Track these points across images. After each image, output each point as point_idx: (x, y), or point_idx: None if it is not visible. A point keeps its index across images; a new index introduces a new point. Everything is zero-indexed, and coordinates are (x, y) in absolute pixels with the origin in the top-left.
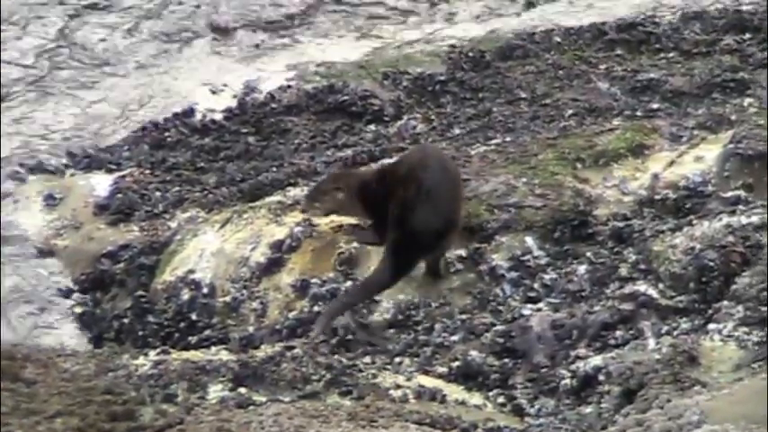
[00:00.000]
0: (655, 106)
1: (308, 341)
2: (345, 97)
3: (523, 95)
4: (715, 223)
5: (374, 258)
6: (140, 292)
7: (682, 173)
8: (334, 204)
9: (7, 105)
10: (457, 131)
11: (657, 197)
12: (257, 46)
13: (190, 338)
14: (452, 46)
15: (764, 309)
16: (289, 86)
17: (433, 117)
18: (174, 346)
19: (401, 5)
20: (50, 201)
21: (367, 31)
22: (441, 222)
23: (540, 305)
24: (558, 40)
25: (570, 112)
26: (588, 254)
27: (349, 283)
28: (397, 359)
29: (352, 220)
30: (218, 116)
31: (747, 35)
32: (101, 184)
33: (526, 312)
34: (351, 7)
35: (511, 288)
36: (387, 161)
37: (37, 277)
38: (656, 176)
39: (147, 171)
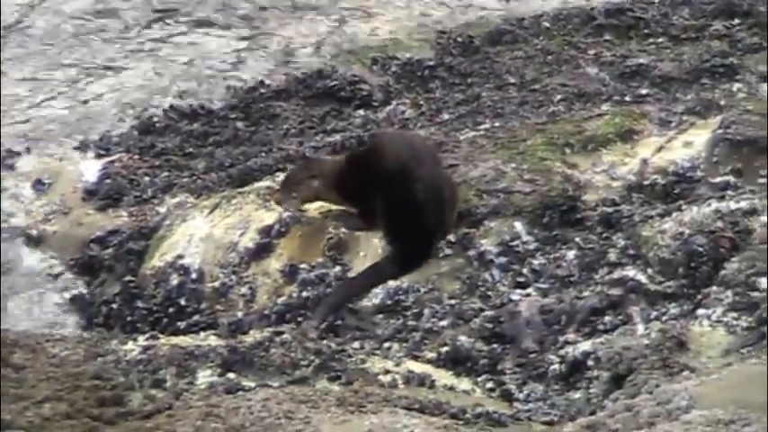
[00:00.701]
0: (644, 91)
1: (297, 328)
2: (334, 82)
3: (512, 81)
4: (704, 208)
5: (362, 244)
6: (129, 278)
7: (671, 158)
8: (311, 192)
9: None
10: (446, 116)
11: (646, 182)
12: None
13: (179, 324)
14: (441, 31)
15: (753, 294)
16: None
17: (421, 102)
18: (163, 332)
19: None
20: (39, 186)
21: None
22: (447, 219)
23: (529, 290)
24: (547, 25)
25: (559, 97)
26: (577, 239)
27: (338, 269)
28: (386, 344)
29: (339, 207)
30: (207, 101)
31: (736, 20)
32: (89, 169)
33: (515, 297)
34: None
35: (500, 273)
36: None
37: (25, 262)
38: (644, 162)
39: (136, 156)
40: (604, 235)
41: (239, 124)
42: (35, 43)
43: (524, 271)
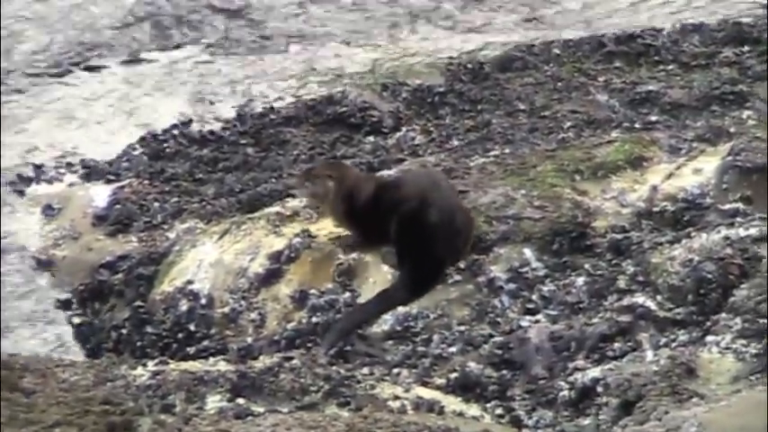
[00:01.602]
0: (653, 118)
1: (306, 353)
2: (344, 108)
3: (522, 107)
4: (713, 235)
5: (372, 270)
6: (139, 303)
7: (680, 185)
8: (322, 190)
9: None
10: (455, 143)
11: (656, 209)
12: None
13: (188, 349)
14: (451, 57)
15: (763, 321)
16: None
17: (431, 129)
18: (173, 357)
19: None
20: (49, 211)
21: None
22: (460, 248)
23: (539, 317)
24: (557, 51)
25: (569, 123)
26: (586, 266)
27: (347, 295)
28: (396, 370)
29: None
30: (217, 127)
31: (746, 47)
32: (99, 194)
33: (524, 324)
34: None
35: (509, 299)
36: (383, 174)
37: (35, 288)
38: (654, 188)
39: (146, 182)
40: (614, 262)
41: (249, 150)
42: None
43: (534, 297)
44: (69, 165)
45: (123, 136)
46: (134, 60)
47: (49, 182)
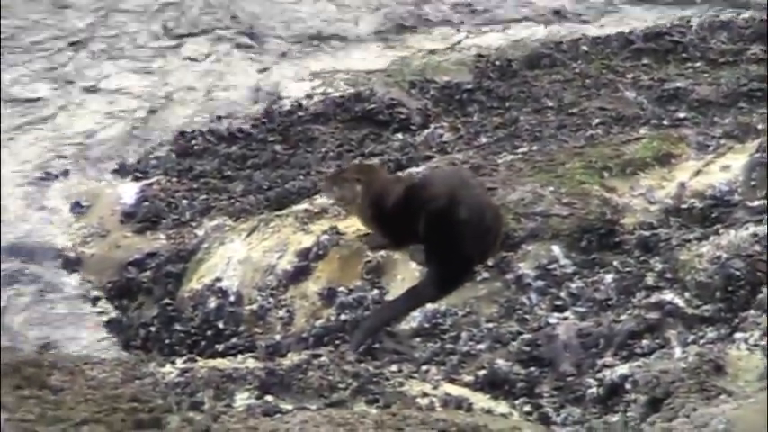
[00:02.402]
0: (681, 115)
1: (335, 350)
2: (372, 105)
3: (550, 104)
4: (741, 232)
5: (400, 267)
6: (167, 300)
7: (708, 182)
8: (351, 194)
9: (34, 111)
10: (484, 140)
11: (684, 206)
12: (284, 54)
13: (216, 346)
14: (479, 55)
15: None
16: (315, 95)
17: (459, 126)
18: (201, 354)
19: (430, 14)
20: (77, 208)
21: (394, 39)
22: (489, 246)
23: (567, 314)
24: (586, 48)
25: (597, 120)
26: (615, 263)
27: (376, 292)
28: (424, 367)
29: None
30: (245, 124)
31: None
32: (127, 192)
33: (552, 321)
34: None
35: (537, 296)
36: (413, 171)
37: (63, 285)
38: (682, 185)
39: (174, 179)
40: (642, 258)
41: (277, 147)
42: (77, 63)
43: (562, 294)
44: (96, 162)
45: (150, 134)
46: (159, 56)
47: (77, 179)
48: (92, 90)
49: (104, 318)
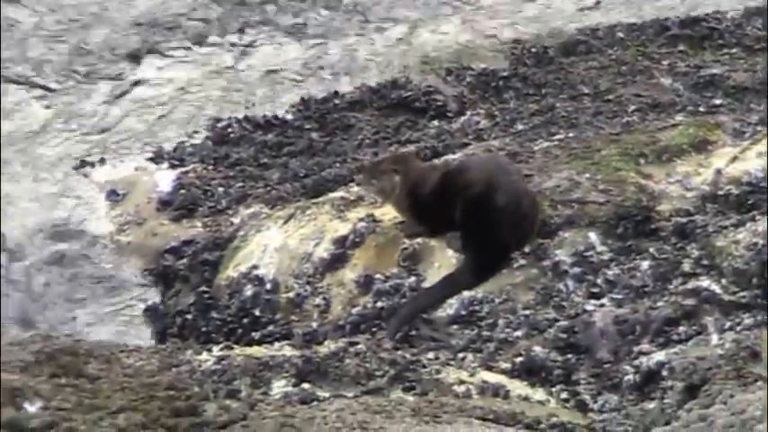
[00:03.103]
0: (717, 102)
1: (372, 338)
2: (409, 93)
3: (586, 91)
4: None
5: (437, 254)
6: (203, 288)
7: (744, 168)
8: (389, 186)
9: (69, 99)
10: (520, 127)
11: (720, 193)
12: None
13: (253, 334)
14: (515, 41)
15: None
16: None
17: (496, 113)
18: (238, 342)
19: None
20: (114, 196)
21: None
22: (526, 233)
23: (604, 301)
24: (621, 35)
25: (633, 107)
26: (651, 249)
27: (412, 279)
28: (461, 355)
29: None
30: (281, 112)
31: None
32: (164, 179)
33: (589, 308)
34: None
35: (574, 283)
36: (449, 158)
37: (99, 272)
38: (718, 172)
39: (211, 167)
40: (678, 245)
41: (313, 135)
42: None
43: (599, 281)
44: (134, 149)
45: (187, 123)
46: (203, 44)
47: (114, 166)
48: (128, 77)
49: (141, 305)
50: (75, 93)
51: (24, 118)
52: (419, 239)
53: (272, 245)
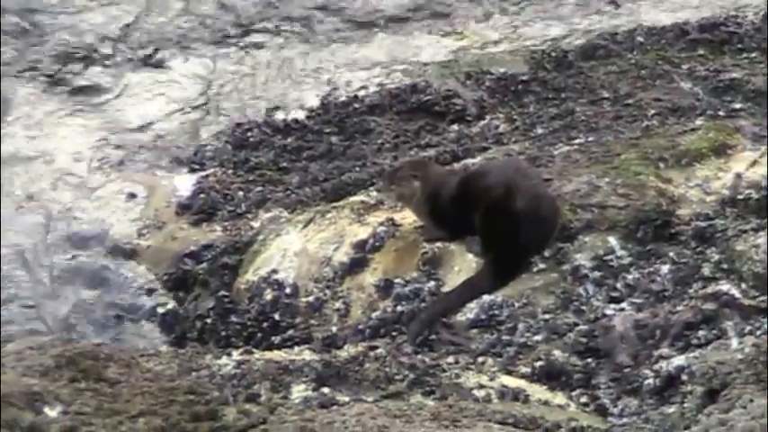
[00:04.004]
0: (737, 106)
1: (391, 342)
2: (428, 97)
3: (606, 95)
4: None
5: (457, 258)
6: (223, 292)
7: (764, 172)
8: (409, 191)
9: (89, 100)
10: (539, 131)
11: (740, 197)
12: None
13: (273, 338)
14: (535, 45)
15: None
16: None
17: (515, 117)
18: (257, 346)
19: (484, 5)
20: (133, 200)
21: (450, 30)
22: (546, 237)
23: (623, 305)
24: (641, 39)
25: (653, 111)
26: (671, 254)
27: (432, 284)
28: (480, 359)
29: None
30: (301, 115)
31: None
32: (183, 183)
33: (609, 312)
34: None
35: (594, 288)
36: (467, 163)
37: (119, 276)
38: (738, 176)
39: (230, 171)
40: (698, 249)
41: (333, 139)
42: (132, 51)
43: (618, 285)
44: (152, 153)
45: (207, 126)
46: (217, 45)
47: (132, 170)
48: (148, 80)
49: (161, 310)
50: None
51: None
52: (439, 244)
53: (291, 249)
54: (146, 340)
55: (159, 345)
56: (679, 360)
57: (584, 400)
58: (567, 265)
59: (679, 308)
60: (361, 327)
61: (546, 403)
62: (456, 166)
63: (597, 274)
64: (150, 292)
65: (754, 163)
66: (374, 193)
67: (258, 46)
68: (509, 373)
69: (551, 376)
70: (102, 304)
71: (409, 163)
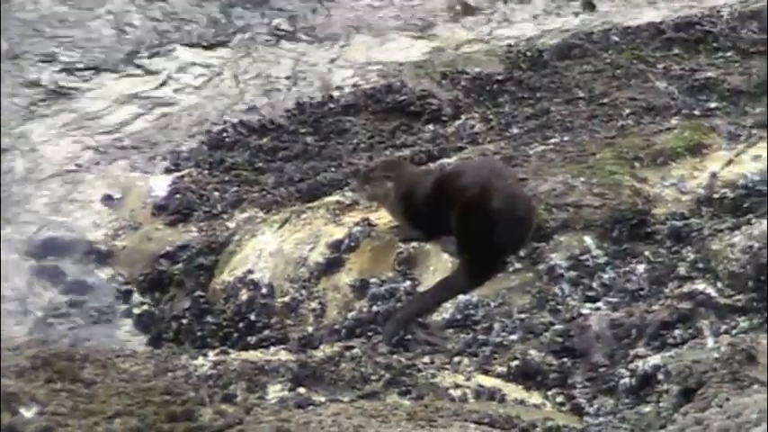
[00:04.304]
0: (713, 105)
1: (367, 342)
2: (404, 97)
3: (581, 95)
4: None
5: (432, 258)
6: (199, 293)
7: (740, 172)
8: (382, 192)
9: (65, 102)
10: (515, 131)
11: (716, 196)
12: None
13: (249, 339)
14: (510, 45)
15: None
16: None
17: (491, 116)
18: (233, 347)
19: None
20: (109, 201)
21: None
22: (521, 237)
23: (599, 304)
24: (616, 39)
25: (628, 111)
26: (647, 253)
27: (407, 283)
28: (456, 359)
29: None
30: (276, 116)
31: None
32: (159, 184)
33: (585, 311)
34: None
35: (569, 287)
36: (443, 162)
37: (95, 278)
38: (714, 175)
39: (206, 171)
40: (674, 249)
41: (308, 139)
42: (109, 53)
43: (594, 285)
44: (127, 154)
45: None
46: (192, 46)
47: (107, 171)
48: (123, 81)
49: (136, 311)
50: (69, 93)
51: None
52: (414, 243)
53: (267, 249)
54: (121, 341)
55: (135, 345)
56: (655, 359)
57: (560, 399)
58: (543, 265)
59: (655, 307)
60: (336, 327)
61: (522, 403)
62: (431, 165)
63: (573, 273)
64: (126, 293)
65: (729, 162)
66: (349, 194)
67: (234, 46)
68: (485, 372)
69: (527, 376)
70: (78, 306)
71: (383, 163)
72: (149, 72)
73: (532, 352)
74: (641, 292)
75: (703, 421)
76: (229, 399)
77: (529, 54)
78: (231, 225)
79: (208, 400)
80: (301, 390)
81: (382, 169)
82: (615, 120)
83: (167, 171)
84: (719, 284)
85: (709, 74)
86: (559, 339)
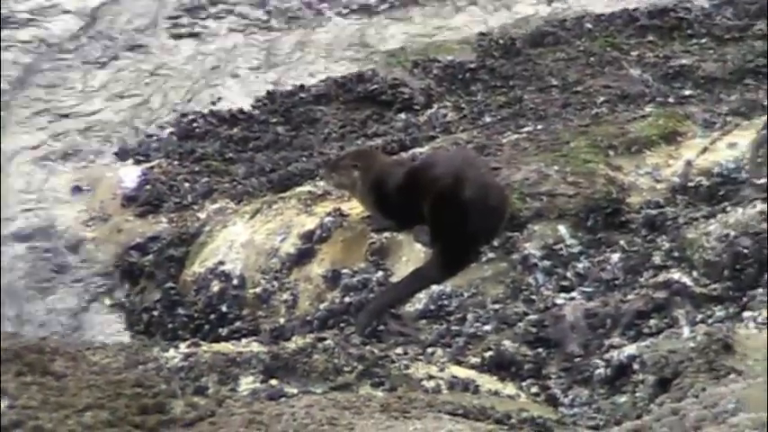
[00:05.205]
0: (687, 93)
1: (340, 333)
2: (375, 86)
3: (555, 83)
4: (749, 210)
5: (405, 248)
6: (170, 285)
7: (715, 159)
8: (348, 180)
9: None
10: (488, 119)
11: (691, 184)
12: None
13: (220, 330)
14: (482, 33)
15: None
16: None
17: (463, 105)
18: (205, 339)
19: None
20: (78, 192)
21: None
22: (494, 226)
23: (574, 294)
24: (589, 26)
25: (602, 99)
26: (621, 242)
27: (380, 274)
28: (430, 350)
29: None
30: (247, 106)
31: None
32: (129, 175)
33: (559, 301)
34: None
35: (544, 277)
36: (415, 152)
37: (65, 269)
38: (689, 163)
39: (176, 162)
40: (649, 237)
41: (279, 129)
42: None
43: (568, 274)
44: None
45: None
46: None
47: (77, 162)
48: (93, 72)
49: (107, 302)
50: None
51: None
52: (387, 234)
53: (238, 240)
54: (92, 333)
55: (106, 338)
56: (630, 349)
57: (534, 390)
58: (517, 255)
59: (630, 296)
60: (308, 318)
61: (496, 393)
62: (404, 155)
63: (547, 263)
64: (96, 284)
65: (704, 150)
66: (321, 184)
67: (203, 36)
68: (459, 363)
69: (501, 366)
70: (48, 297)
71: (352, 152)
72: (116, 62)
73: (506, 342)
74: (616, 282)
75: (679, 411)
76: (201, 391)
77: (501, 42)
78: (202, 216)
79: (179, 393)
80: (273, 382)
81: (351, 158)
82: (589, 108)
83: (137, 162)
84: (695, 273)
85: (684, 61)
86: (534, 329)
